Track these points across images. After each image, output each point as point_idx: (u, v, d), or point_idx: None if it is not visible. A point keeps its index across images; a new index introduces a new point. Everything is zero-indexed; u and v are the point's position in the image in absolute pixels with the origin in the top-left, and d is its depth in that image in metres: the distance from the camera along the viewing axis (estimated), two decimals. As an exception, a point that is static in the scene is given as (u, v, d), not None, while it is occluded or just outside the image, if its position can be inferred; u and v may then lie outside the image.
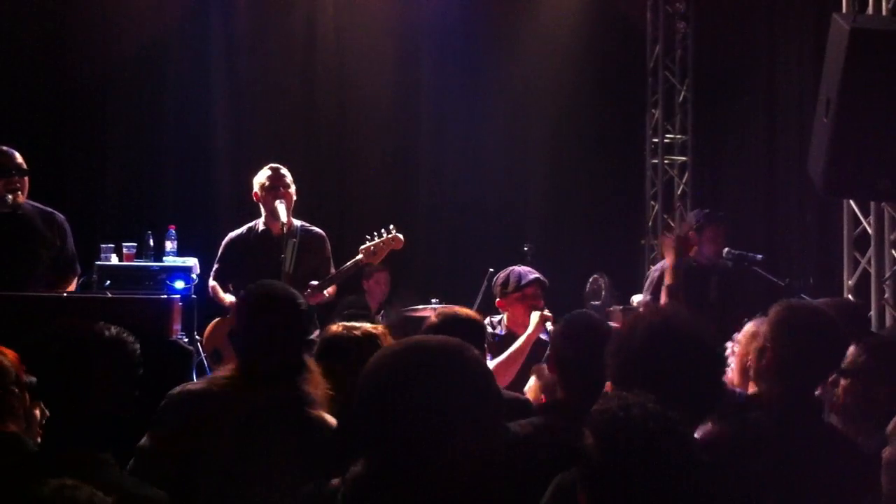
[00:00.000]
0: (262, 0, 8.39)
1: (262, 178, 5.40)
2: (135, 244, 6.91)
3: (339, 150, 8.53)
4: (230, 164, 8.08)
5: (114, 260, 6.75)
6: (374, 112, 8.53)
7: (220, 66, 8.22)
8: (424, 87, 8.61)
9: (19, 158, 4.92)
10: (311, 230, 5.49)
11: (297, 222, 5.44)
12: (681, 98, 8.90)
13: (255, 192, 5.43)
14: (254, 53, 8.28)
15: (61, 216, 5.14)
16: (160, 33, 8.03)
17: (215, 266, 5.57)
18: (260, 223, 5.48)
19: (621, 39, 8.97)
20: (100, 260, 6.74)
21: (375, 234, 5.41)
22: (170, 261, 6.82)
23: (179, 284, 6.50)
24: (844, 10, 6.15)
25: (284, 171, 5.43)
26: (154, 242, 6.95)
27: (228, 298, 5.34)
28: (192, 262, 6.78)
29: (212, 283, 5.53)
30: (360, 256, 5.34)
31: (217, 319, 5.51)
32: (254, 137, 8.17)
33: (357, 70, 8.45)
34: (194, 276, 6.66)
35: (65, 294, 4.89)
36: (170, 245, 6.92)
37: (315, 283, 5.20)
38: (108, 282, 6.40)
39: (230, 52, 8.25)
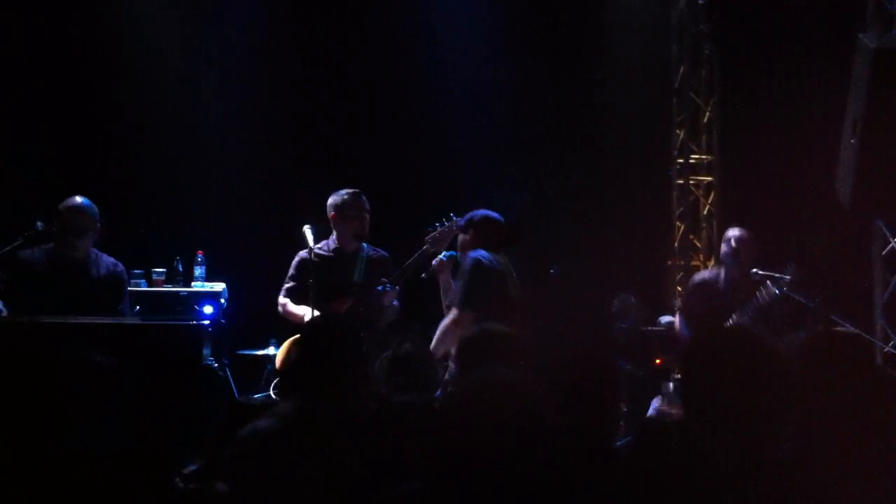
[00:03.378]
0: (290, 28, 8.47)
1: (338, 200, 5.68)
2: (164, 270, 6.98)
3: (364, 175, 8.56)
4: (258, 189, 8.14)
5: (143, 286, 6.81)
6: (401, 130, 8.59)
7: (250, 94, 8.30)
8: (446, 106, 8.65)
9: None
10: (378, 251, 5.79)
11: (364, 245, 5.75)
12: (706, 118, 8.89)
13: (332, 214, 5.70)
14: (284, 80, 8.35)
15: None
16: (190, 61, 8.12)
17: (287, 284, 5.69)
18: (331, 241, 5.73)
19: (646, 59, 8.98)
20: (129, 286, 6.82)
21: (437, 224, 5.62)
22: (198, 286, 6.88)
23: (208, 309, 6.56)
24: (870, 30, 6.15)
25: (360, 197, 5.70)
26: (183, 268, 7.01)
27: (300, 311, 5.49)
28: (220, 286, 6.84)
29: (283, 299, 5.68)
30: (425, 246, 5.48)
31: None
32: (282, 164, 8.23)
33: (378, 85, 8.52)
34: (223, 300, 6.72)
35: (97, 320, 4.95)
36: (198, 270, 6.98)
37: (385, 281, 5.35)
38: (138, 307, 6.46)
39: (260, 81, 8.33)
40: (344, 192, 5.74)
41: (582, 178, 8.84)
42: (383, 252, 5.81)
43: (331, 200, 5.76)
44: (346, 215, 5.64)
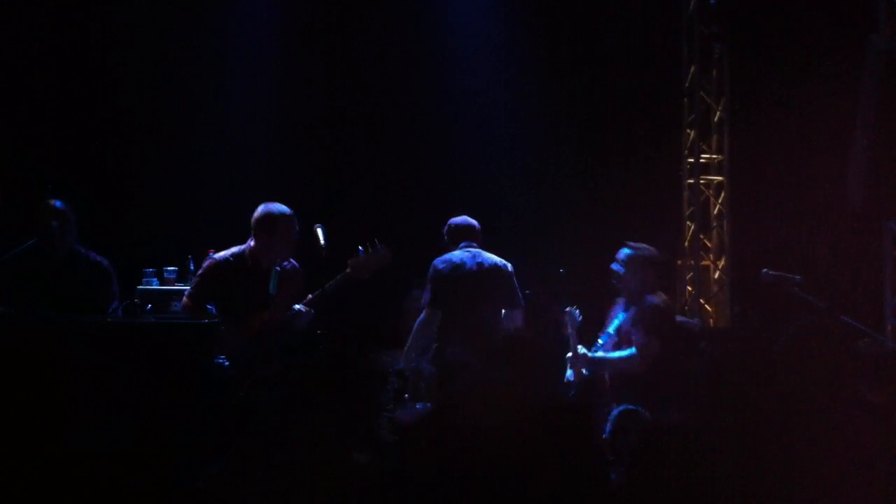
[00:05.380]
0: (306, 31, 8.50)
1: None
2: (175, 269, 7.02)
3: (371, 169, 8.60)
4: (269, 188, 8.15)
5: (155, 284, 6.86)
6: (409, 132, 8.61)
7: (260, 92, 8.33)
8: (459, 109, 8.67)
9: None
10: (291, 263, 5.59)
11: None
12: (716, 118, 8.88)
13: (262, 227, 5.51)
14: (296, 81, 8.39)
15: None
16: (201, 63, 8.16)
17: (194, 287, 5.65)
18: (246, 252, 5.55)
19: (657, 59, 8.98)
20: (141, 285, 6.87)
21: (360, 249, 5.49)
22: (210, 285, 6.89)
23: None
24: (881, 30, 6.14)
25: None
26: (194, 267, 7.04)
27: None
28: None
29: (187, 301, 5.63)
30: (348, 269, 5.41)
31: None
32: (293, 163, 8.26)
33: (391, 88, 8.54)
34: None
35: (109, 319, 4.98)
36: (210, 269, 6.99)
37: (300, 307, 5.28)
38: (150, 306, 6.49)
39: (272, 82, 8.36)
40: (279, 208, 5.57)
41: (592, 178, 8.85)
42: (296, 264, 5.60)
43: (264, 212, 5.55)
44: (274, 235, 5.45)
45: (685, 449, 2.33)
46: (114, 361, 4.33)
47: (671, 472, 2.30)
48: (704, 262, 8.87)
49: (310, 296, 5.40)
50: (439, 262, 6.03)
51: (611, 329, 5.99)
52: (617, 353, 5.85)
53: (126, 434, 3.99)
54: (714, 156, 8.95)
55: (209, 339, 4.76)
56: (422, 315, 5.98)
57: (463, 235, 6.13)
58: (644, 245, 6.08)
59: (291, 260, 5.59)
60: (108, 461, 3.80)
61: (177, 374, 4.35)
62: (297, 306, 5.34)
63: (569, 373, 5.94)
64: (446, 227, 6.23)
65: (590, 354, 5.90)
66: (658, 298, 5.95)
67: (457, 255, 6.04)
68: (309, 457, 3.27)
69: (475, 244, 6.14)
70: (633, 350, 5.75)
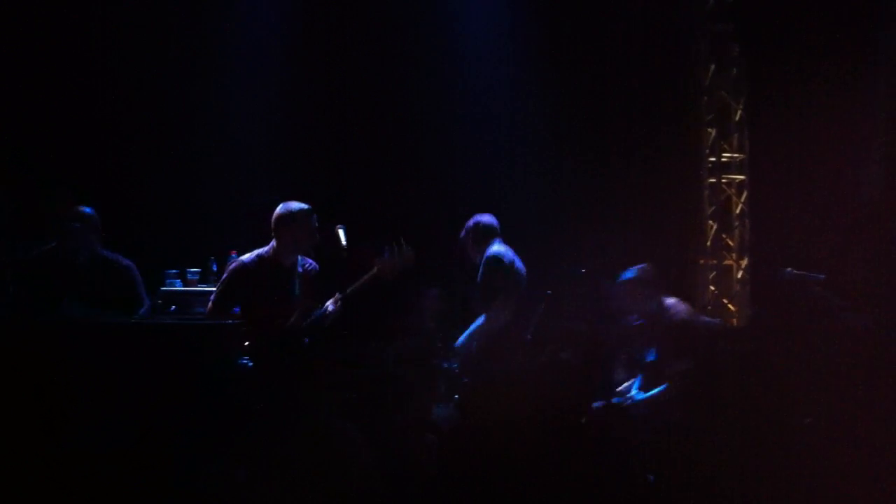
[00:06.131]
0: (327, 32, 8.54)
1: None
2: (199, 270, 7.08)
3: (392, 165, 8.62)
4: (290, 190, 8.18)
5: (178, 286, 6.91)
6: (427, 130, 8.63)
7: (280, 96, 8.37)
8: (476, 109, 8.68)
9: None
10: (310, 263, 5.65)
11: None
12: (737, 117, 8.85)
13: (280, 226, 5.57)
14: (319, 84, 8.42)
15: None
16: (226, 65, 8.21)
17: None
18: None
19: (676, 58, 8.95)
20: (165, 286, 6.92)
21: (385, 250, 5.54)
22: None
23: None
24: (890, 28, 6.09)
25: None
26: (217, 268, 7.09)
27: None
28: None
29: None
30: (374, 270, 5.49)
31: None
32: (314, 165, 8.29)
33: (406, 86, 8.56)
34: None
35: (133, 320, 5.02)
36: (232, 270, 7.04)
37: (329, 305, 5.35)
38: (174, 307, 6.55)
39: (291, 82, 8.39)
40: (297, 206, 5.60)
41: (613, 177, 8.83)
42: (315, 264, 5.66)
43: (282, 210, 5.61)
44: (295, 229, 5.47)
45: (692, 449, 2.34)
46: (137, 363, 4.35)
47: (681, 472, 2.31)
48: (727, 262, 8.84)
49: (337, 296, 5.44)
50: (505, 256, 6.11)
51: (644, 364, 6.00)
52: (653, 392, 5.84)
53: (154, 436, 4.02)
54: (735, 155, 8.91)
55: (235, 339, 4.78)
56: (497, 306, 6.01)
57: (494, 234, 6.24)
58: (630, 269, 6.08)
59: (310, 260, 5.64)
60: (131, 462, 3.83)
61: (201, 375, 4.37)
62: (328, 304, 5.37)
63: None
64: (473, 225, 6.26)
65: (630, 401, 5.91)
66: (677, 309, 5.92)
67: (509, 252, 6.16)
68: (334, 457, 3.29)
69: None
70: (664, 386, 5.74)
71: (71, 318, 4.74)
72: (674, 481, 2.26)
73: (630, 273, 6.05)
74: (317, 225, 5.53)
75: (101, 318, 4.77)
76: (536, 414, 2.24)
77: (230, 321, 5.11)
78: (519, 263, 6.27)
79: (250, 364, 4.95)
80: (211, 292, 6.82)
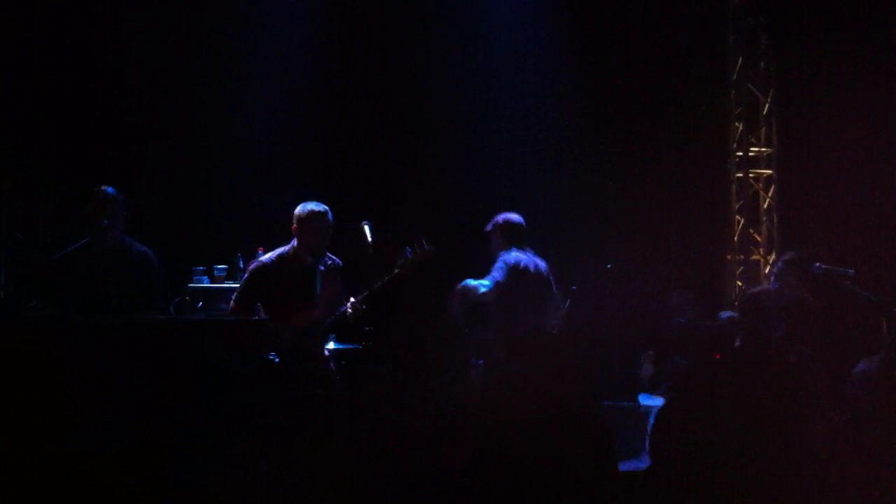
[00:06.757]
0: (355, 33, 8.56)
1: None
2: (226, 266, 7.12)
3: (411, 162, 8.62)
4: (317, 186, 8.23)
5: (206, 282, 6.96)
6: (453, 128, 8.62)
7: (308, 94, 8.40)
8: (500, 106, 8.67)
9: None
10: (333, 260, 5.70)
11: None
12: (765, 110, 8.79)
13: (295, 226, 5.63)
14: (345, 83, 8.44)
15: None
16: (253, 63, 8.26)
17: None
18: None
19: (703, 51, 8.90)
20: (192, 283, 6.98)
21: (408, 249, 5.62)
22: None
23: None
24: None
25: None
26: (244, 265, 7.13)
27: None
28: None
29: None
30: (397, 270, 5.56)
31: None
32: (340, 162, 8.33)
33: (433, 84, 8.57)
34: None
35: (162, 317, 5.06)
36: (259, 267, 7.09)
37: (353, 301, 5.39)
38: (200, 303, 6.59)
39: (318, 81, 8.42)
40: (312, 204, 5.65)
41: (640, 173, 8.80)
42: (337, 261, 5.73)
43: (299, 210, 5.65)
44: (308, 229, 5.55)
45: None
46: (164, 358, 4.37)
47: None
48: (754, 257, 8.79)
49: (364, 294, 5.49)
50: (513, 260, 6.08)
51: None
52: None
53: (168, 434, 4.04)
54: (763, 149, 8.85)
55: (262, 335, 4.80)
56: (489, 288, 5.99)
57: (517, 241, 6.18)
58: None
59: (333, 257, 5.69)
60: (151, 461, 3.86)
61: (231, 371, 4.39)
62: (352, 300, 5.42)
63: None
64: (503, 222, 6.23)
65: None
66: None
67: (523, 258, 6.09)
68: (338, 456, 3.30)
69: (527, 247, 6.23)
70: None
71: (79, 318, 4.76)
72: (674, 481, 2.25)
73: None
74: (328, 225, 5.58)
75: (108, 316, 4.78)
76: (541, 413, 2.22)
77: (255, 317, 5.14)
78: (534, 268, 6.15)
79: (276, 360, 4.98)
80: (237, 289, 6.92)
